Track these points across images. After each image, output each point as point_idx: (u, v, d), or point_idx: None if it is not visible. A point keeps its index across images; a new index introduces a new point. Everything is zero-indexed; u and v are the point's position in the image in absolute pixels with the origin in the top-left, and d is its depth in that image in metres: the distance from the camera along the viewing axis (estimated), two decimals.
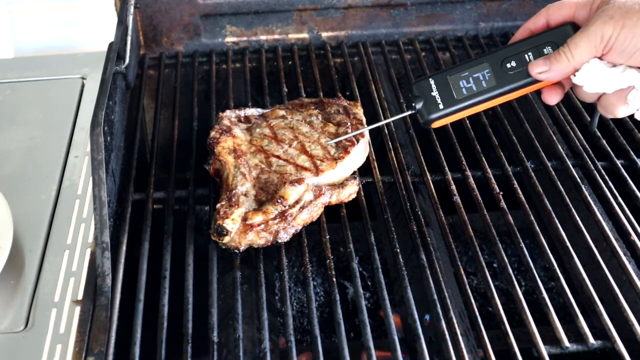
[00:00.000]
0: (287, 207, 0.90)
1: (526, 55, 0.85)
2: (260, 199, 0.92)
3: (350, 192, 0.96)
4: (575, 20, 0.84)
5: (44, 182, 1.07)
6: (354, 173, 1.00)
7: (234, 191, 0.92)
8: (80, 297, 0.88)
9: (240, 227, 0.89)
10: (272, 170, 0.95)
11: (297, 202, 0.91)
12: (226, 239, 0.89)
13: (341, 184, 0.96)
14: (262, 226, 0.89)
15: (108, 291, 0.85)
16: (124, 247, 0.92)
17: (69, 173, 1.09)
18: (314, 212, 0.92)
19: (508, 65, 0.85)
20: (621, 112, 0.83)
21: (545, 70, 0.83)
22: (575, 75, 0.82)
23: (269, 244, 0.90)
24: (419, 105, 0.87)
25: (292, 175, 0.94)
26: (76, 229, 0.99)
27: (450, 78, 0.87)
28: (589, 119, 1.15)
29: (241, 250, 0.90)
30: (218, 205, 0.91)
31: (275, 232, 0.90)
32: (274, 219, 0.89)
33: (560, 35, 0.83)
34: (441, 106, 0.87)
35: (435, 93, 0.87)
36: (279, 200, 0.90)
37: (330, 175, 0.96)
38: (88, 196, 1.05)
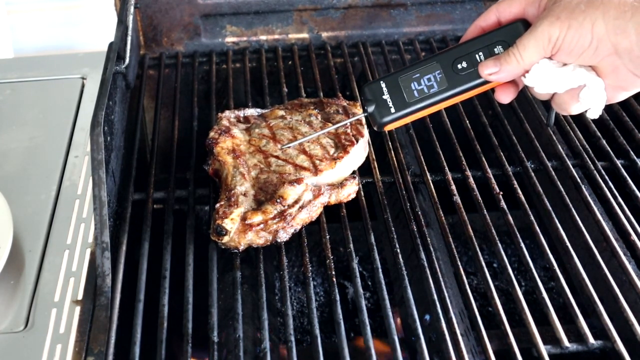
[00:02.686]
0: (286, 207, 0.90)
1: (477, 56, 0.81)
2: (259, 199, 0.92)
3: (349, 192, 0.96)
4: (525, 17, 0.81)
5: (44, 182, 1.07)
6: (353, 173, 1.00)
7: (233, 191, 0.92)
8: (80, 297, 0.88)
9: (239, 226, 0.89)
10: (271, 170, 0.95)
11: (296, 201, 0.91)
12: (225, 239, 0.89)
13: (340, 184, 0.96)
14: (261, 226, 0.89)
15: (108, 291, 0.85)
16: (124, 247, 0.92)
17: (69, 173, 1.09)
18: (313, 211, 0.92)
19: (459, 66, 0.82)
20: (575, 110, 0.80)
21: (495, 72, 0.80)
22: (525, 77, 0.79)
23: (269, 243, 0.90)
24: (370, 109, 0.84)
25: (291, 175, 0.94)
26: (76, 229, 0.99)
27: (401, 80, 0.83)
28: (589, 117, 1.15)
29: (241, 250, 0.90)
30: (217, 205, 0.91)
31: (274, 231, 0.90)
32: (273, 218, 0.89)
33: (511, 33, 0.80)
34: (393, 110, 0.84)
35: (386, 96, 0.84)
36: (278, 200, 0.90)
37: (329, 175, 0.96)
38: (88, 196, 1.05)
